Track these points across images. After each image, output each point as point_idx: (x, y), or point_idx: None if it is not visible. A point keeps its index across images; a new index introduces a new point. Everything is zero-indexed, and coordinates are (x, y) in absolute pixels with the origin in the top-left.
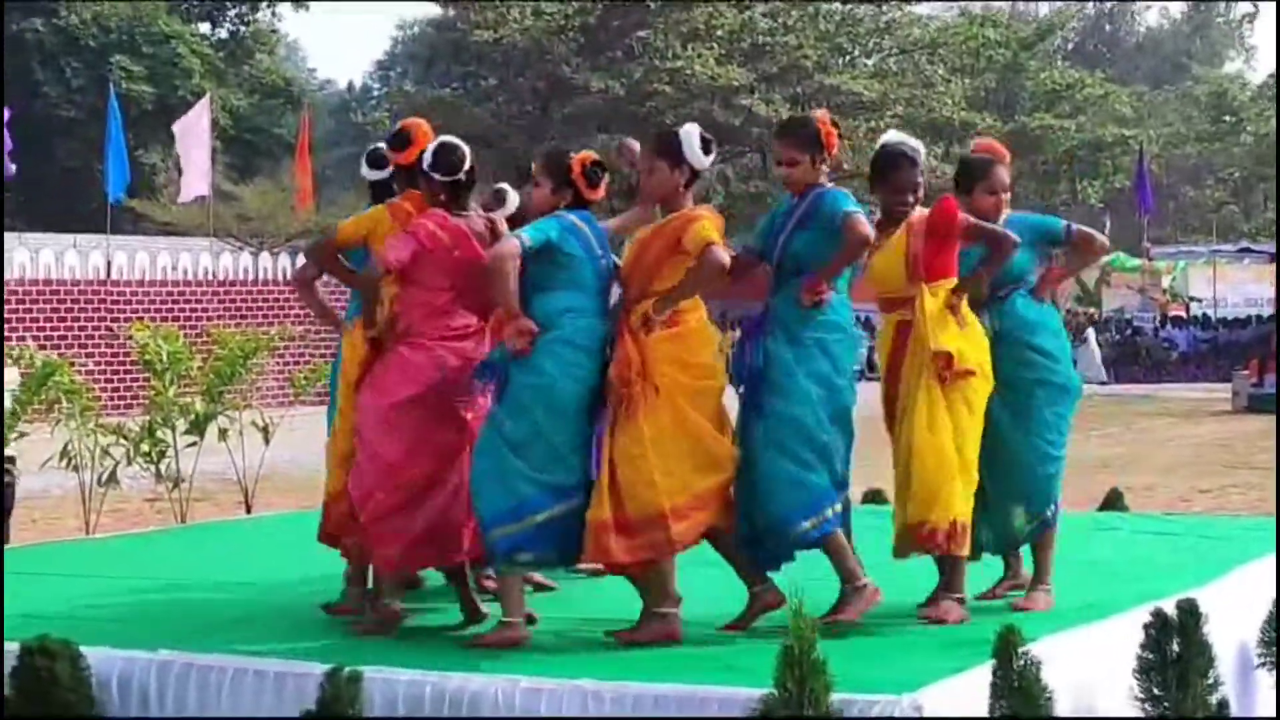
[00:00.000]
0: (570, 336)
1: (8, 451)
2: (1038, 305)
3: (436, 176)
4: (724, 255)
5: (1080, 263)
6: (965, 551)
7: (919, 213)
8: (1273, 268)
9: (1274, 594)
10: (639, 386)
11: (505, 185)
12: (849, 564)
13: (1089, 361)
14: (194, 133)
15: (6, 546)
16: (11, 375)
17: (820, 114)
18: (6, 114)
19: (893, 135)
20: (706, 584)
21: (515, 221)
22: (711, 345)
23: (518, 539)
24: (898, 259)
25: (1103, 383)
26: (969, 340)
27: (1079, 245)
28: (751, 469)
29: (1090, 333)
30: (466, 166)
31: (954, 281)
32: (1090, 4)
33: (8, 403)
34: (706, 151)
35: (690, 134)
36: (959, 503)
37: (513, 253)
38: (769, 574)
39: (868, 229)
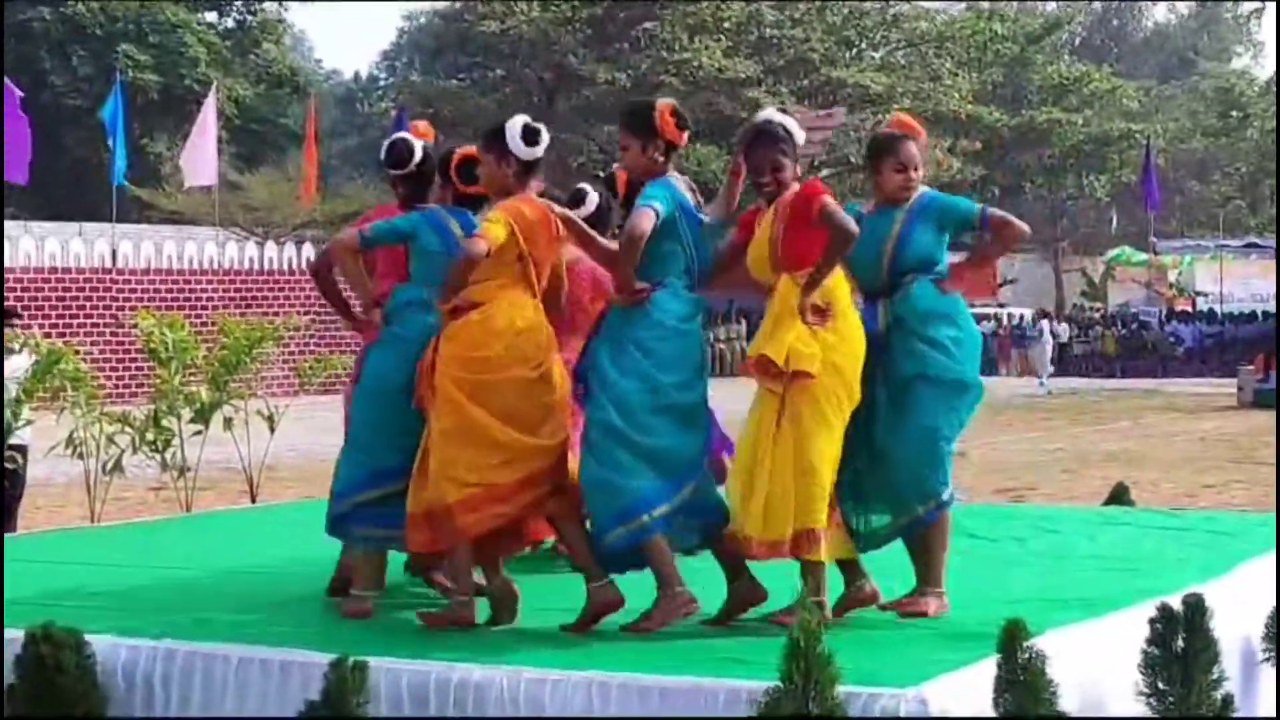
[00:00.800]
0: (403, 331)
1: (19, 440)
2: (937, 294)
3: (389, 171)
4: (473, 246)
5: (998, 249)
6: (819, 556)
7: (790, 194)
8: None
9: (1277, 590)
10: (424, 387)
11: (585, 185)
12: (663, 570)
13: (1040, 356)
14: (200, 121)
15: (14, 534)
16: (23, 361)
17: (664, 102)
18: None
19: (765, 112)
20: (708, 578)
21: (593, 221)
22: (504, 338)
23: (350, 516)
24: (764, 246)
25: (1042, 381)
26: (820, 339)
27: (996, 230)
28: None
29: (1044, 325)
30: (417, 159)
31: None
32: None
33: (16, 390)
34: (531, 142)
35: (513, 125)
36: (802, 514)
37: (348, 244)
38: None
39: (635, 224)
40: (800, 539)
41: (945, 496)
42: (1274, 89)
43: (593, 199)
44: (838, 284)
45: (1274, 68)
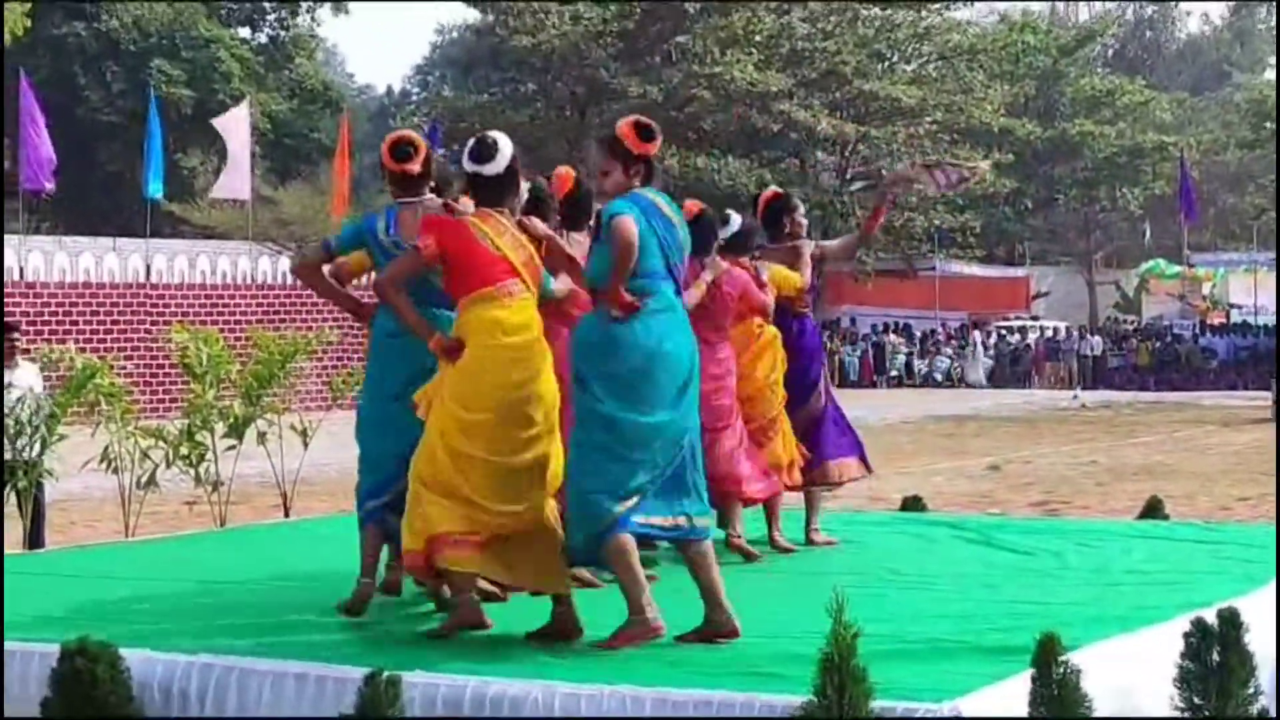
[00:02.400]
0: None
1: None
2: (594, 322)
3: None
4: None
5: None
6: (449, 565)
7: None
8: None
9: (1273, 604)
10: None
11: (731, 211)
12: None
13: (974, 366)
14: (233, 135)
15: (43, 549)
16: (34, 379)
17: (394, 133)
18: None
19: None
20: (730, 591)
21: (734, 242)
22: None
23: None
24: None
25: (982, 386)
26: (445, 374)
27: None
28: None
29: (976, 336)
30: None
31: (475, 298)
32: (1130, 10)
33: (46, 405)
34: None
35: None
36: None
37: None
38: None
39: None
40: (428, 548)
41: (609, 539)
42: None
43: (736, 220)
44: (481, 318)
45: None
